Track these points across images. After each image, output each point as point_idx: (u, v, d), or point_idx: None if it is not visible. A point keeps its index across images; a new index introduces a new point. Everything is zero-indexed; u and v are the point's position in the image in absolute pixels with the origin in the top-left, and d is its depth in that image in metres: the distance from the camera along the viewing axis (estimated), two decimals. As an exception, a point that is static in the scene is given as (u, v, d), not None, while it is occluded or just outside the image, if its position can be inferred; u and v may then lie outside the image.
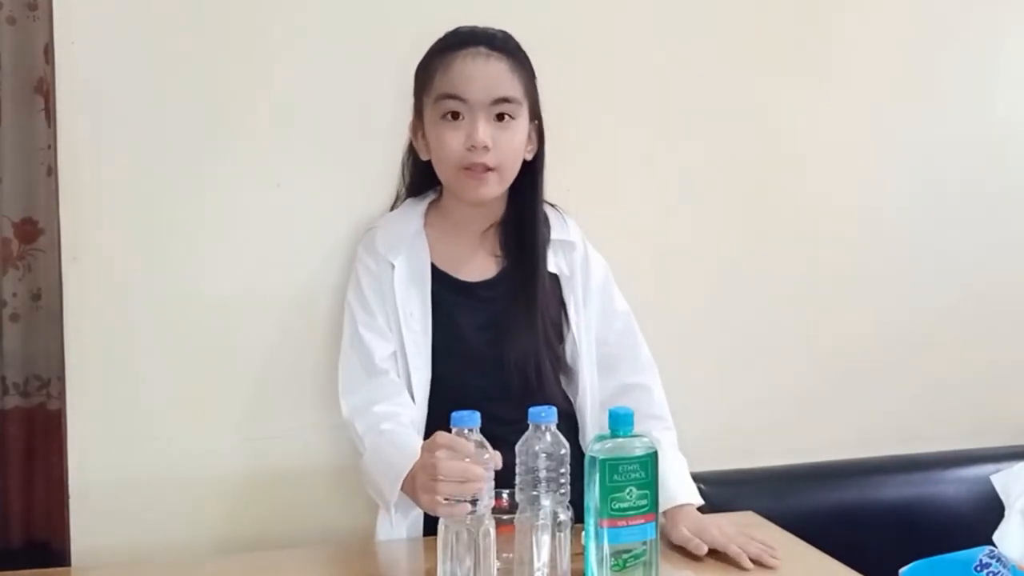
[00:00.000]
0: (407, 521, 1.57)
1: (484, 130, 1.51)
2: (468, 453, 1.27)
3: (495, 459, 1.28)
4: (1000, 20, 2.14)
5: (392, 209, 1.70)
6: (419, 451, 1.38)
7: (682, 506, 1.54)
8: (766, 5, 1.99)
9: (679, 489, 1.56)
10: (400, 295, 1.58)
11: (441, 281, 1.60)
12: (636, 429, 1.30)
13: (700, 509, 1.57)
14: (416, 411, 1.56)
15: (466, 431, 1.29)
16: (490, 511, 1.29)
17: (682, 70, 1.94)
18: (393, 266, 1.58)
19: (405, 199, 1.69)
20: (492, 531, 1.28)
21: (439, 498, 1.27)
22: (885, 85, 2.07)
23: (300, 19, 1.75)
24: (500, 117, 1.53)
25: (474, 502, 1.26)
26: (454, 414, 1.30)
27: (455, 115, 1.52)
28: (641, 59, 1.91)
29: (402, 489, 1.44)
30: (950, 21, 2.10)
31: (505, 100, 1.52)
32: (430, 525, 1.59)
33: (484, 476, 1.26)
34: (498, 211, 1.63)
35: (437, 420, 1.48)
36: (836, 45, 2.04)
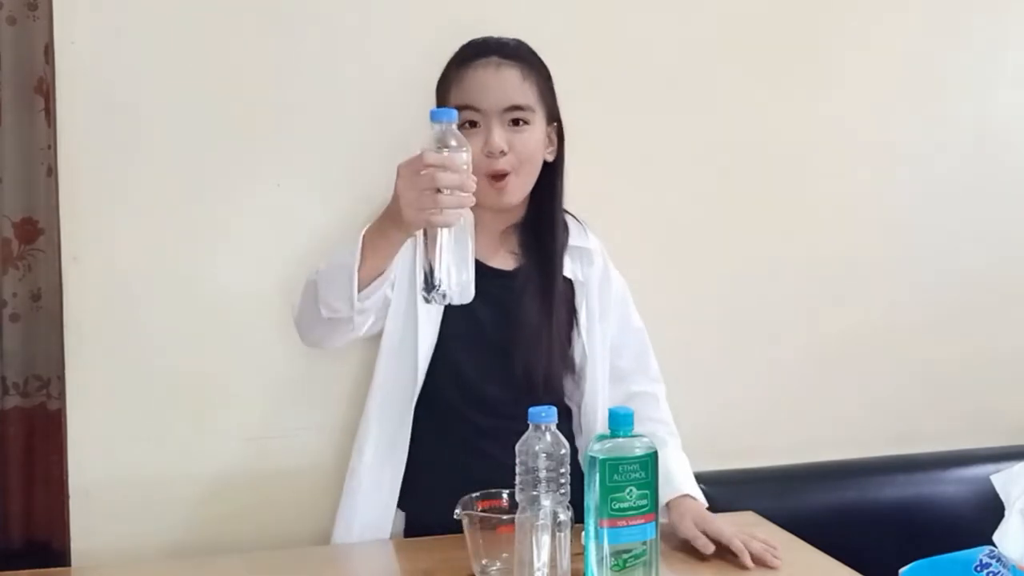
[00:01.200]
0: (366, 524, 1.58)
1: (499, 135, 1.53)
2: (460, 169, 1.28)
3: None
4: (1001, 20, 2.14)
5: None
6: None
7: (685, 496, 1.54)
8: (767, 6, 1.99)
9: (684, 481, 1.56)
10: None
11: None
12: (641, 431, 1.30)
13: (700, 509, 1.57)
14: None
15: (444, 123, 1.30)
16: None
17: (684, 72, 1.94)
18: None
19: None
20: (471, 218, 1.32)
21: (436, 208, 1.28)
22: (885, 85, 2.07)
23: (300, 19, 1.75)
24: (515, 122, 1.55)
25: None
26: (433, 110, 1.32)
27: (472, 124, 1.54)
28: (642, 62, 1.91)
29: (366, 238, 1.41)
30: (951, 21, 2.10)
31: (517, 108, 1.54)
32: (410, 528, 1.61)
33: (474, 186, 1.29)
34: (518, 212, 1.64)
35: (433, 393, 1.54)
36: (836, 46, 2.04)
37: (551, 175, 1.62)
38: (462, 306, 1.55)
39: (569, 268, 1.64)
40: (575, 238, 1.66)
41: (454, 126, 1.31)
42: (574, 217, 1.69)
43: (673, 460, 1.57)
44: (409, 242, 1.49)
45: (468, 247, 1.32)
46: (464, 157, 1.30)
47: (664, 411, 1.69)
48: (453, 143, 1.30)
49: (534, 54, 1.60)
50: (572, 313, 1.64)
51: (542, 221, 1.63)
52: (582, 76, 1.85)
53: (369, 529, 1.58)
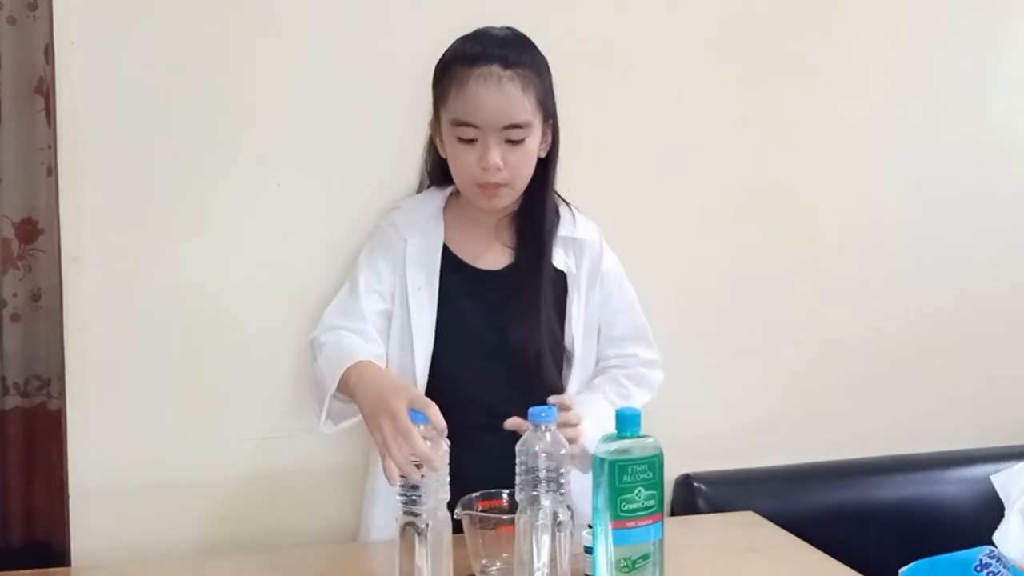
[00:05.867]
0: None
1: (496, 153, 1.53)
2: (417, 449, 1.28)
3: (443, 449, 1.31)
4: (999, 23, 2.14)
5: (418, 192, 1.73)
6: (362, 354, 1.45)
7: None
8: (767, 9, 1.99)
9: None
10: (410, 269, 1.61)
11: (453, 265, 1.63)
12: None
13: (700, 509, 1.56)
14: (381, 350, 1.59)
15: (422, 427, 1.30)
16: (444, 510, 1.31)
17: (691, 72, 1.94)
18: (406, 241, 1.62)
19: (428, 186, 1.71)
20: (448, 534, 1.30)
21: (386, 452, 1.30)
22: (885, 88, 2.07)
23: (301, 20, 1.75)
24: (511, 141, 1.54)
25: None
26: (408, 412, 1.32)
27: (468, 140, 1.54)
28: (644, 64, 1.91)
29: (339, 392, 1.46)
30: (949, 23, 2.10)
31: (515, 126, 1.53)
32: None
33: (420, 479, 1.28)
34: (512, 204, 1.64)
35: (433, 398, 1.49)
36: (836, 49, 2.03)
37: (544, 169, 1.62)
38: (456, 317, 1.59)
39: (561, 260, 1.64)
40: (566, 228, 1.66)
41: (422, 428, 1.31)
42: (567, 204, 1.69)
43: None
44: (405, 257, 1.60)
45: (444, 562, 1.31)
46: (437, 447, 1.29)
47: (642, 366, 1.70)
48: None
49: (532, 52, 1.57)
50: (563, 303, 1.64)
51: (534, 211, 1.64)
52: (581, 79, 1.85)
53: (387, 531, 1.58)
